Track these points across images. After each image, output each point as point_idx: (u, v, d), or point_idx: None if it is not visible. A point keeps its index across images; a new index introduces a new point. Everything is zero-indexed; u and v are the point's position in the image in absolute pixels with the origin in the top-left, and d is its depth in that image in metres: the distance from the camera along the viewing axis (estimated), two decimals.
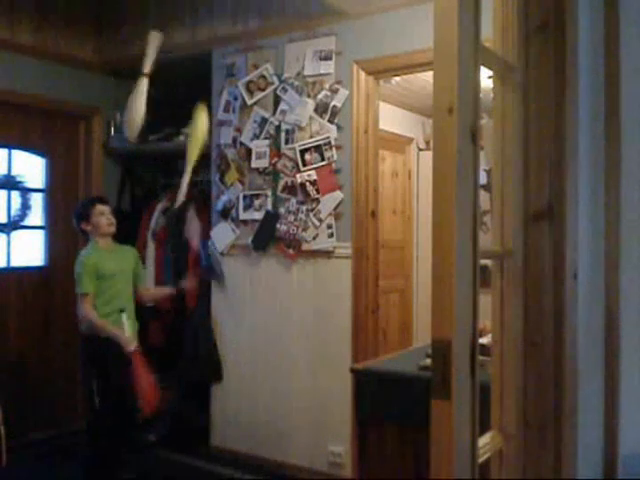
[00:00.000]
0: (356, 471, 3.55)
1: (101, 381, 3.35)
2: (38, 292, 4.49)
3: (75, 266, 3.44)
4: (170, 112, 4.62)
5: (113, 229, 3.51)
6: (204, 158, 4.37)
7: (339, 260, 3.68)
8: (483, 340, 2.30)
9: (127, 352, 3.30)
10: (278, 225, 3.86)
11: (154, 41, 3.84)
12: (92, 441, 3.51)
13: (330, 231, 3.69)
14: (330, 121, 3.69)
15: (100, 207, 3.48)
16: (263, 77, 3.96)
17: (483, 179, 3.95)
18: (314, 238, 3.74)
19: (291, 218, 3.82)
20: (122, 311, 3.45)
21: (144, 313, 4.49)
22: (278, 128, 3.89)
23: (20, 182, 4.45)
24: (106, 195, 4.74)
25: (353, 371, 3.08)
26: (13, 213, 4.41)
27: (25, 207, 4.48)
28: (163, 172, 4.91)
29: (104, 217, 3.47)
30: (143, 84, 3.82)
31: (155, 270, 4.49)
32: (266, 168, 3.93)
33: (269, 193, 3.92)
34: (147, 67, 3.82)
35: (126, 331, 3.41)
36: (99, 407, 3.34)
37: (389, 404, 2.79)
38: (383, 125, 4.17)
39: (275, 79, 3.91)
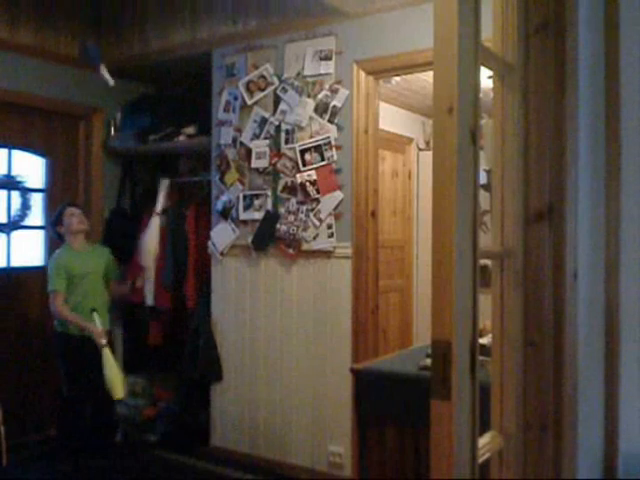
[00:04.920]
0: (356, 471, 3.55)
1: (69, 372, 3.73)
2: (38, 292, 4.48)
3: (48, 265, 3.76)
4: (170, 112, 4.63)
5: (83, 227, 3.81)
6: (204, 158, 4.39)
7: (339, 260, 3.67)
8: (483, 340, 2.30)
9: (99, 344, 3.66)
10: (278, 225, 3.86)
11: (164, 186, 4.35)
12: (61, 423, 3.98)
13: (330, 231, 3.69)
14: (330, 121, 3.69)
15: (70, 209, 3.81)
16: (263, 77, 3.96)
17: (483, 179, 3.95)
18: (314, 238, 3.74)
19: (291, 218, 3.82)
20: (94, 310, 3.76)
21: (144, 313, 4.52)
22: (278, 128, 3.89)
23: (20, 182, 4.45)
24: (105, 195, 4.78)
25: (353, 371, 3.08)
26: (13, 213, 4.41)
27: (25, 207, 4.48)
28: (163, 172, 4.91)
29: (74, 217, 3.77)
30: (156, 222, 4.32)
31: (155, 270, 4.48)
32: (266, 168, 3.93)
33: (269, 193, 3.92)
34: (159, 208, 4.36)
35: (98, 326, 3.73)
36: (67, 394, 3.76)
37: (389, 404, 2.79)
38: (383, 125, 4.17)
39: (275, 79, 3.90)
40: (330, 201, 3.69)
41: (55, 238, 3.93)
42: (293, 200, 3.82)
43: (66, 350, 3.74)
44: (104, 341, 3.68)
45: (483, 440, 1.57)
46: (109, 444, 4.27)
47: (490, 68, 1.63)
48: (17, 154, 4.44)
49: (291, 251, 3.82)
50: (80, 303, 3.74)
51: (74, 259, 3.74)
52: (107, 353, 3.67)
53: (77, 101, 4.61)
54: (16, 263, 4.41)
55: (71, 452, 3.82)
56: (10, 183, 4.39)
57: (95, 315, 3.74)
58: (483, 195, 1.57)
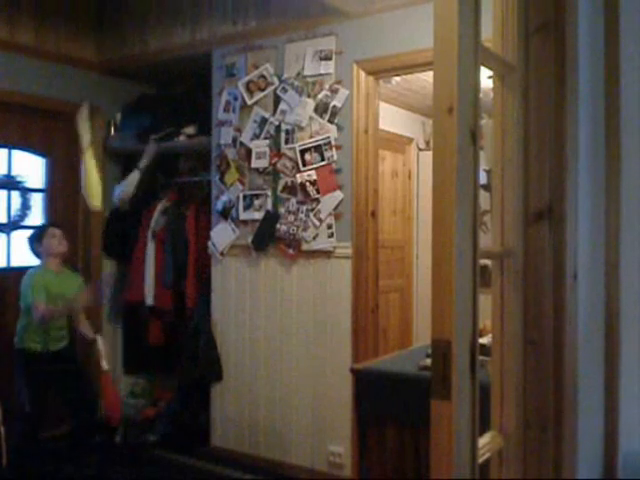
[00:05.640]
0: (356, 471, 3.55)
1: (31, 390, 3.61)
2: None
3: (23, 282, 3.71)
4: (170, 112, 4.63)
5: (62, 249, 3.80)
6: (204, 158, 4.39)
7: (339, 260, 3.67)
8: (483, 340, 2.30)
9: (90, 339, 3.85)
10: (278, 225, 3.86)
11: (152, 148, 4.43)
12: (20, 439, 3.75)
13: (330, 231, 3.69)
14: (330, 121, 3.69)
15: (52, 230, 3.80)
16: (263, 77, 3.96)
17: (483, 179, 3.95)
18: (314, 238, 3.74)
19: (291, 218, 3.82)
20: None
21: (144, 313, 4.51)
22: (278, 128, 3.89)
23: (20, 182, 4.45)
24: (105, 195, 4.78)
25: (353, 371, 3.08)
26: (13, 213, 4.41)
27: (25, 207, 4.48)
28: (163, 172, 4.91)
29: (55, 239, 3.76)
30: (136, 176, 4.38)
31: (155, 270, 4.49)
32: (266, 168, 3.93)
33: (269, 193, 3.92)
34: (142, 164, 4.43)
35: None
36: (30, 411, 3.61)
37: (389, 404, 2.79)
38: (383, 125, 4.17)
39: (275, 79, 3.90)
40: (330, 201, 3.69)
41: (33, 255, 3.87)
42: (293, 200, 3.82)
43: (27, 368, 3.66)
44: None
45: (483, 440, 1.57)
46: (109, 444, 4.28)
47: (490, 68, 1.63)
48: (17, 154, 4.44)
49: (291, 251, 3.82)
50: (51, 324, 3.69)
51: (52, 280, 3.72)
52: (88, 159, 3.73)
53: (77, 101, 4.61)
54: (16, 263, 4.40)
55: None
56: (10, 183, 4.39)
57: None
58: (483, 195, 1.57)
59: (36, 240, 3.80)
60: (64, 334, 3.81)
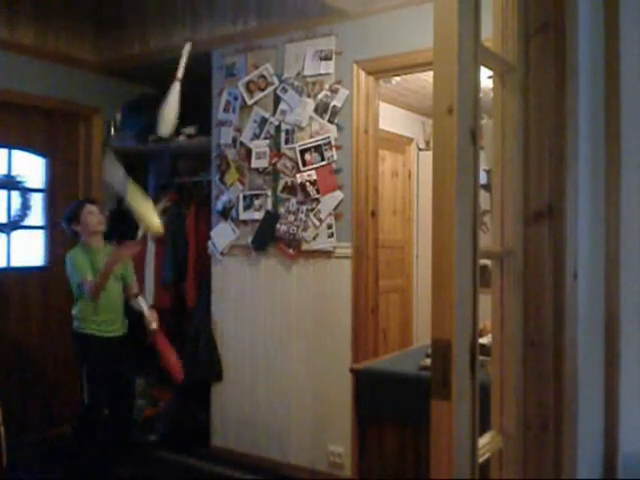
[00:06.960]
0: (356, 471, 3.55)
1: (91, 376, 3.49)
2: (38, 292, 4.49)
3: (66, 264, 3.52)
4: None
5: (102, 227, 3.61)
6: (204, 158, 4.39)
7: (339, 260, 3.67)
8: (483, 340, 2.30)
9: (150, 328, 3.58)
10: (278, 225, 3.86)
11: (187, 50, 3.97)
12: (79, 437, 3.63)
13: (330, 231, 3.69)
14: (330, 121, 3.69)
15: (89, 207, 3.59)
16: (263, 77, 3.96)
17: (483, 179, 3.96)
18: (314, 238, 3.74)
19: (291, 218, 3.82)
20: (137, 296, 3.69)
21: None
22: (278, 128, 3.89)
23: (20, 182, 4.45)
24: (105, 195, 4.77)
25: (353, 371, 3.08)
26: (13, 213, 4.41)
27: (25, 207, 4.48)
28: (163, 172, 4.91)
29: (93, 216, 3.57)
30: (177, 88, 3.94)
31: (155, 270, 4.49)
32: (266, 168, 3.93)
33: (269, 193, 3.92)
34: (180, 73, 3.96)
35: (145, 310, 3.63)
36: (89, 401, 3.50)
37: (389, 404, 2.79)
38: (383, 125, 4.17)
39: (275, 79, 3.90)
40: (330, 201, 3.69)
41: (69, 235, 3.66)
42: (293, 200, 3.82)
43: (86, 351, 3.52)
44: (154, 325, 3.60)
45: (483, 440, 1.57)
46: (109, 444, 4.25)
47: (490, 68, 1.63)
48: (17, 154, 4.44)
49: (291, 251, 3.82)
50: (99, 303, 3.49)
51: (94, 256, 3.52)
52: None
53: (77, 101, 4.62)
54: (16, 263, 4.41)
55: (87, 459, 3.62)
56: (10, 183, 4.39)
57: (140, 300, 3.67)
58: (483, 195, 1.57)
59: (73, 219, 3.58)
60: (119, 319, 3.62)
